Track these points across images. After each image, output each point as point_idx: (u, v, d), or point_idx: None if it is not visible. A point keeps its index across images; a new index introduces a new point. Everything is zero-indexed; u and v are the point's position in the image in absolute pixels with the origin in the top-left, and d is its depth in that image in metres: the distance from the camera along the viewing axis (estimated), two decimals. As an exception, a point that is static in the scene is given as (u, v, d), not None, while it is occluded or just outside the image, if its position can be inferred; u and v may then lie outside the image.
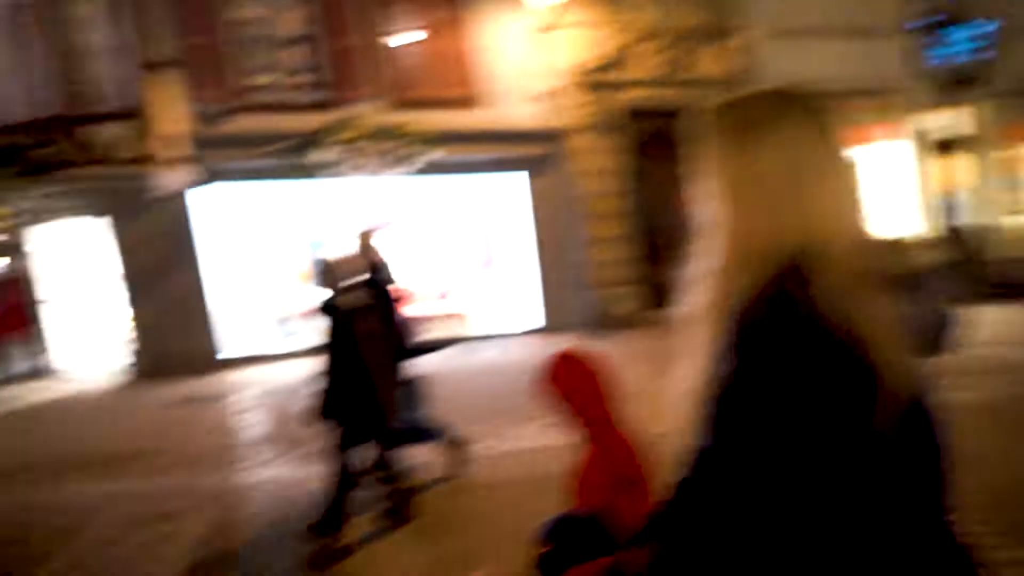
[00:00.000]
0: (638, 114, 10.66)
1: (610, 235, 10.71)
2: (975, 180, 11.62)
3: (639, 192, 10.82)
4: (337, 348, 4.08)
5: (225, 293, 9.98)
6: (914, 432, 0.99)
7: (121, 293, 9.57)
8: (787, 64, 9.59)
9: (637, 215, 10.82)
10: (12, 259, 11.54)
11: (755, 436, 0.96)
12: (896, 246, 1.10)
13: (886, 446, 0.96)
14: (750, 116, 1.06)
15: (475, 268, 11.43)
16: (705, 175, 1.11)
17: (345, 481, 4.04)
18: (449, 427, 5.11)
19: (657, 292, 10.61)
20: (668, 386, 1.17)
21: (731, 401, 0.98)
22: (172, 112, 9.26)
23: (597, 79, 10.51)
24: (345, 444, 4.06)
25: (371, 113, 9.70)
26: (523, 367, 8.53)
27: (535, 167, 10.60)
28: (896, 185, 11.41)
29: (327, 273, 4.14)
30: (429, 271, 10.91)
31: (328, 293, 4.12)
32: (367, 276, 4.76)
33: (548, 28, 10.37)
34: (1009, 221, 11.42)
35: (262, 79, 9.78)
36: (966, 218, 11.70)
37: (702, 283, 1.07)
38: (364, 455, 4.30)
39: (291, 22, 9.97)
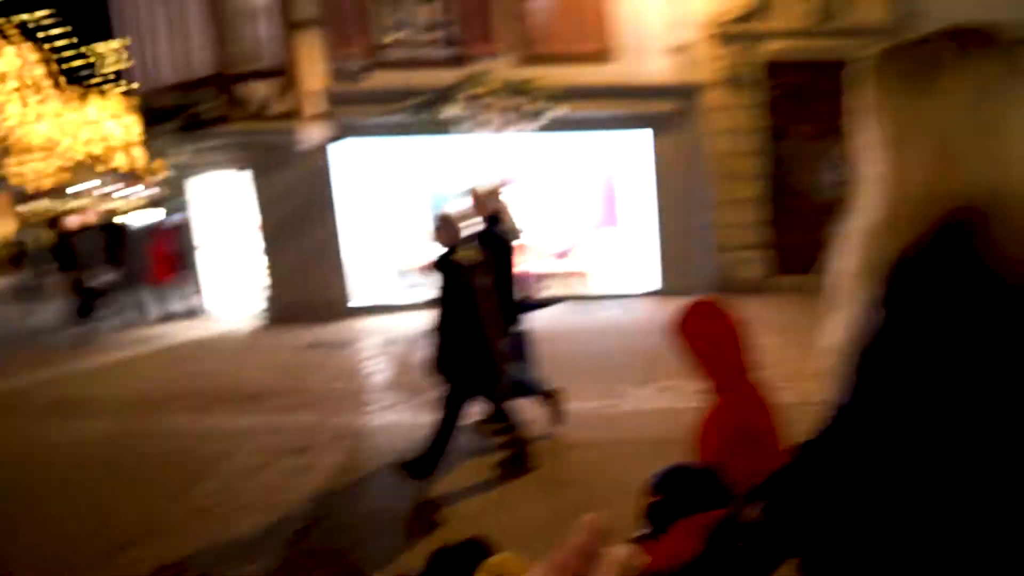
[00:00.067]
0: (777, 68, 9.98)
1: (739, 197, 10.21)
2: None
3: (774, 152, 10.21)
4: (450, 304, 4.15)
5: (355, 244, 10.46)
6: None
7: (260, 242, 10.25)
8: (953, 11, 8.60)
9: (770, 176, 10.23)
10: (169, 209, 12.66)
11: (905, 395, 0.89)
12: None
13: None
14: (925, 58, 0.97)
15: (595, 227, 11.30)
16: (864, 127, 1.03)
17: (446, 432, 4.16)
18: (547, 383, 5.12)
19: (785, 257, 10.07)
20: (813, 346, 1.10)
21: (880, 357, 0.91)
22: (313, 69, 9.68)
23: (735, 30, 9.91)
24: (453, 398, 4.18)
25: (501, 69, 9.69)
26: (641, 328, 8.46)
27: (663, 124, 10.22)
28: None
29: (446, 228, 4.21)
30: (550, 228, 10.89)
31: (445, 248, 4.19)
32: (486, 231, 4.82)
33: (685, -24, 9.86)
34: None
35: (397, 35, 9.98)
36: None
37: (856, 241, 1.00)
38: (479, 408, 4.42)
39: None
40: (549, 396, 4.98)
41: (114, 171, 36.40)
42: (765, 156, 10.21)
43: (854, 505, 0.95)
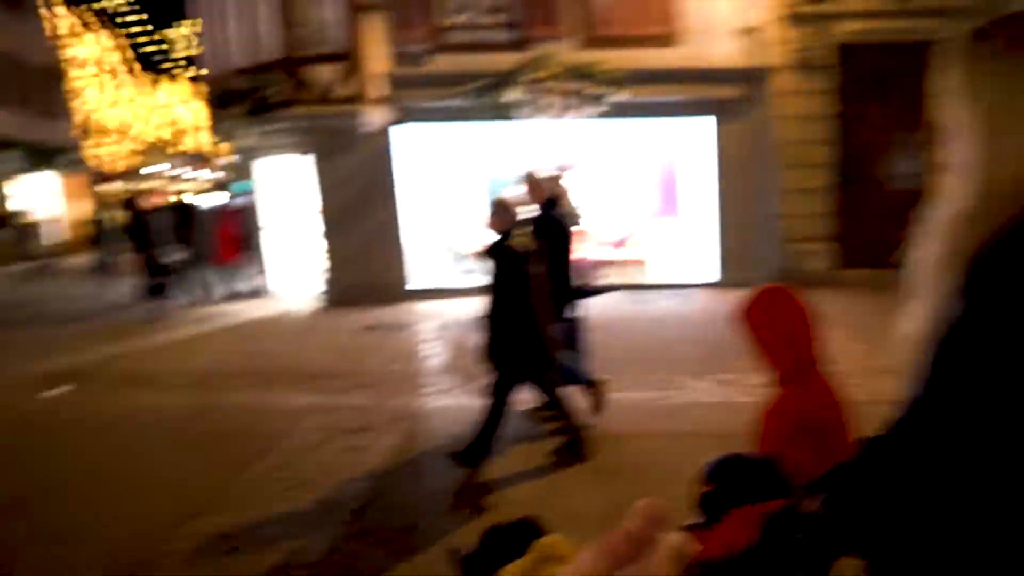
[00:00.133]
0: (851, 51, 9.55)
1: (806, 186, 9.85)
2: None
3: (844, 140, 9.81)
4: (503, 290, 4.13)
5: (414, 228, 10.55)
6: None
7: (321, 225, 10.43)
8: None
9: (840, 165, 9.84)
10: (235, 191, 13.01)
11: (982, 389, 0.84)
12: None
13: None
14: (1021, 38, 0.91)
15: (655, 215, 11.10)
16: (950, 113, 0.98)
17: (495, 419, 4.15)
18: (593, 372, 5.08)
19: (853, 251, 9.69)
20: (881, 343, 1.04)
21: (957, 349, 0.87)
22: (376, 53, 9.76)
23: (806, 11, 9.52)
24: (502, 384, 4.17)
25: (563, 52, 9.57)
26: (699, 319, 8.29)
27: (727, 110, 9.93)
28: None
29: (500, 214, 4.17)
30: (609, 216, 10.75)
31: (498, 235, 4.16)
32: (542, 217, 4.78)
33: (755, -44, 9.52)
34: None
35: (459, 19, 9.97)
36: None
37: (938, 230, 0.96)
38: (531, 395, 4.40)
39: None
40: (592, 386, 4.93)
41: (183, 154, 37.75)
42: (835, 144, 9.81)
43: (922, 502, 0.91)
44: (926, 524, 0.91)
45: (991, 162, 0.92)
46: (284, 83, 9.87)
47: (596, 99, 9.45)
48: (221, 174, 33.24)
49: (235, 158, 13.63)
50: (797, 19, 9.58)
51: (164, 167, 34.81)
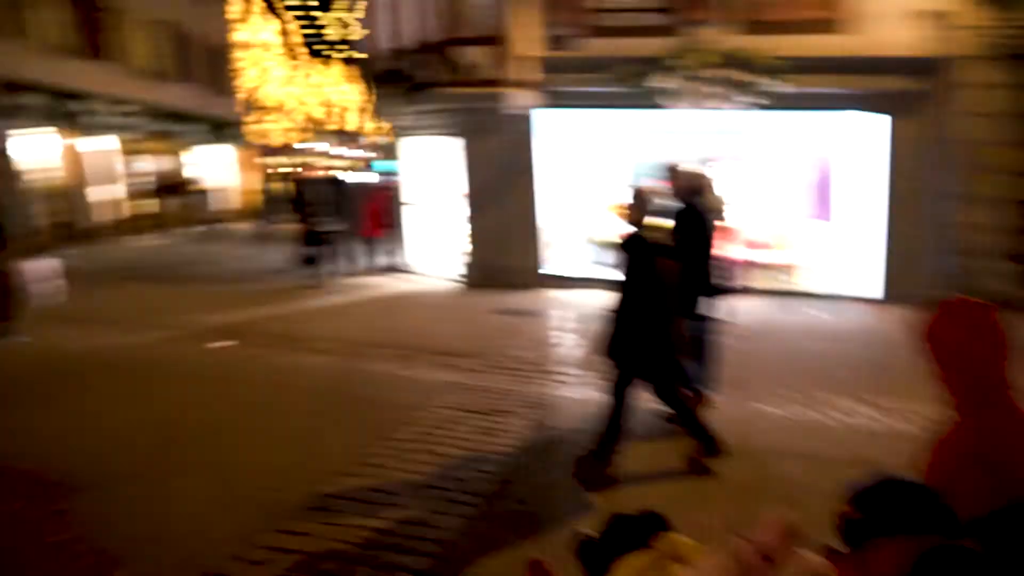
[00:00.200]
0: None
1: (992, 194, 8.82)
2: None
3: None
4: (632, 284, 3.96)
5: (554, 215, 10.52)
6: None
7: (464, 207, 10.64)
8: None
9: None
10: (384, 169, 13.58)
11: None
12: None
13: None
14: None
15: (809, 217, 10.39)
16: None
17: (617, 418, 4.01)
18: (714, 378, 4.85)
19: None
20: None
21: None
22: (527, 37, 9.77)
23: (1005, -7, 8.49)
24: (621, 383, 4.02)
25: (718, 37, 9.12)
26: (853, 335, 7.68)
27: (900, 104, 9.04)
28: None
29: (636, 205, 4.01)
30: (758, 214, 10.19)
31: (633, 226, 3.99)
32: (682, 211, 4.55)
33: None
34: None
35: (612, 2, 9.76)
36: None
37: None
38: (660, 397, 4.23)
39: None
40: (698, 396, 4.67)
41: (338, 132, 40.02)
42: (1028, 147, 8.73)
43: None
44: None
45: None
46: (438, 65, 10.11)
47: (751, 88, 8.93)
48: (372, 153, 34.95)
49: (386, 137, 14.22)
50: (990, 1, 8.54)
51: (321, 144, 37.07)
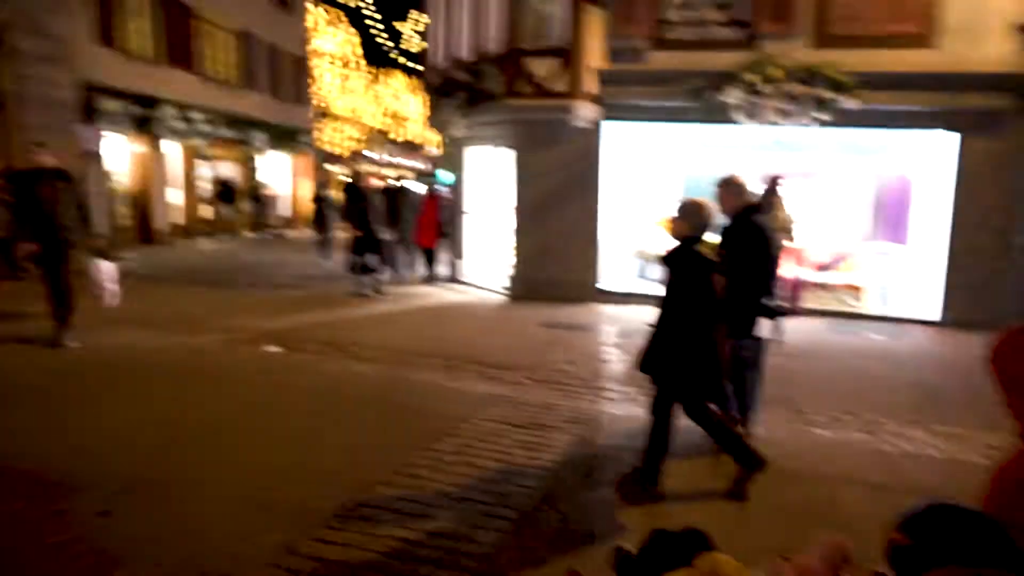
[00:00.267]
0: None
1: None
2: None
3: None
4: (676, 300, 3.84)
5: (610, 229, 10.41)
6: None
7: (517, 215, 10.61)
8: None
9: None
10: (440, 180, 13.70)
11: None
12: None
13: None
14: None
15: (875, 237, 10.02)
16: None
17: (660, 438, 3.89)
18: (758, 403, 4.66)
19: None
20: None
21: None
22: (593, 48, 9.71)
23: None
24: (661, 401, 3.90)
25: (791, 51, 8.90)
26: (915, 360, 7.35)
27: (980, 123, 8.63)
28: None
29: (686, 217, 3.88)
30: (823, 233, 9.87)
31: (681, 240, 3.87)
32: (738, 226, 4.40)
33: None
34: None
35: (682, 14, 9.65)
36: None
37: None
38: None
39: None
40: (741, 416, 4.49)
41: (398, 141, 40.75)
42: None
43: None
44: None
45: None
46: (501, 76, 10.15)
47: (824, 104, 8.68)
48: (429, 163, 35.41)
49: (444, 148, 14.38)
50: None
51: (380, 153, 37.81)
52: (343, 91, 34.65)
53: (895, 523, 1.32)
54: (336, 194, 16.06)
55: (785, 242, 7.78)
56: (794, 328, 8.05)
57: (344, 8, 33.72)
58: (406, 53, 37.08)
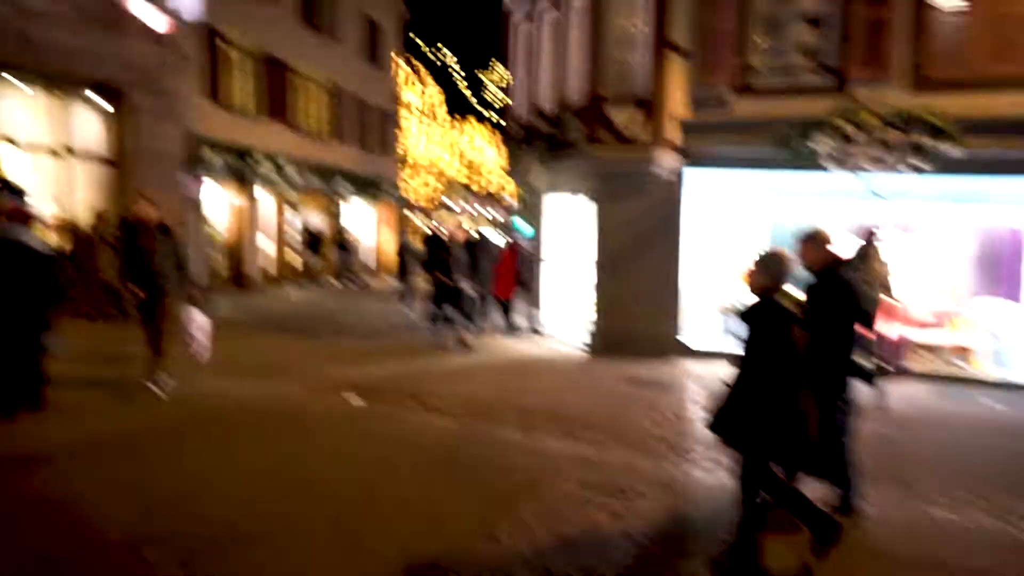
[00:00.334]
0: None
1: None
2: None
3: None
4: (755, 357, 3.57)
5: (693, 281, 10.10)
6: None
7: (596, 270, 10.44)
8: None
9: None
10: (519, 230, 13.74)
11: None
12: None
13: None
14: None
15: (985, 293, 9.31)
16: None
17: (753, 507, 3.57)
18: (850, 473, 4.26)
19: None
20: None
21: None
22: (676, 97, 9.62)
23: None
24: (750, 468, 3.59)
25: (887, 95, 8.54)
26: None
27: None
28: None
29: (767, 270, 3.63)
30: (929, 289, 9.26)
31: (761, 294, 3.63)
32: (824, 281, 4.10)
33: None
34: None
35: (767, 61, 9.45)
36: None
37: None
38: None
39: None
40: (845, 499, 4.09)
41: (478, 191, 41.58)
42: None
43: None
44: None
45: None
46: (582, 125, 10.15)
47: (922, 151, 8.22)
48: (507, 213, 35.87)
49: (523, 198, 14.47)
50: None
51: (459, 203, 38.63)
52: (425, 141, 35.78)
53: None
54: (417, 243, 16.35)
55: (884, 298, 7.30)
56: (898, 393, 7.50)
57: (427, 60, 35.12)
58: (486, 103, 38.06)
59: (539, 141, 11.09)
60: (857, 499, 4.29)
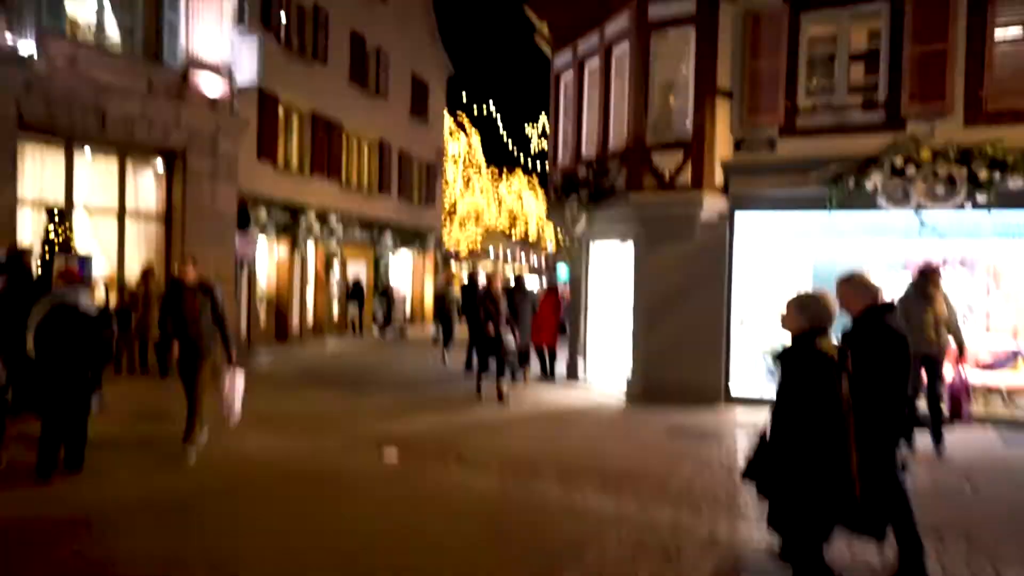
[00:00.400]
0: None
1: None
2: None
3: None
4: (791, 405, 3.35)
5: (739, 326, 9.83)
6: None
7: (639, 313, 10.25)
8: None
9: None
10: (560, 277, 13.66)
11: None
12: None
13: None
14: None
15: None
16: None
17: (817, 568, 3.32)
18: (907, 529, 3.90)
19: None
20: None
21: None
22: (721, 140, 9.55)
23: None
24: (804, 536, 3.34)
25: (941, 131, 8.34)
26: None
27: None
28: None
29: (804, 311, 3.45)
30: (988, 329, 8.83)
31: (797, 337, 3.44)
32: (867, 325, 3.87)
33: None
34: None
35: (815, 100, 9.33)
36: None
37: None
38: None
39: (856, 35, 9.28)
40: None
41: (519, 240, 41.85)
42: None
43: None
44: None
45: None
46: (625, 170, 10.12)
47: (982, 185, 7.96)
48: (547, 260, 35.93)
49: (564, 244, 14.44)
50: None
51: (499, 251, 38.88)
52: (466, 191, 36.32)
53: None
54: (456, 291, 16.42)
55: (950, 339, 6.96)
56: (958, 441, 7.08)
57: (469, 112, 35.87)
58: (528, 151, 38.54)
59: (581, 188, 11.10)
60: (923, 559, 3.99)
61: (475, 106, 38.10)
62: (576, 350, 12.05)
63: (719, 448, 7.45)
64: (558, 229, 14.45)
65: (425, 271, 25.51)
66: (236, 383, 6.87)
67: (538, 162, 37.12)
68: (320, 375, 12.57)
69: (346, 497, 5.68)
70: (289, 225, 17.09)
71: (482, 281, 10.83)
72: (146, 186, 12.08)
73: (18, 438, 6.52)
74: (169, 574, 4.08)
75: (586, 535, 4.76)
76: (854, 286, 4.01)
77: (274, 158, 16.55)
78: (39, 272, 9.19)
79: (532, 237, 42.58)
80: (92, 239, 11.25)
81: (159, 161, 12.03)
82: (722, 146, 9.56)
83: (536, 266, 37.75)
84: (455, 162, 34.66)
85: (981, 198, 8.09)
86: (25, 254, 8.57)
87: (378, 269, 21.97)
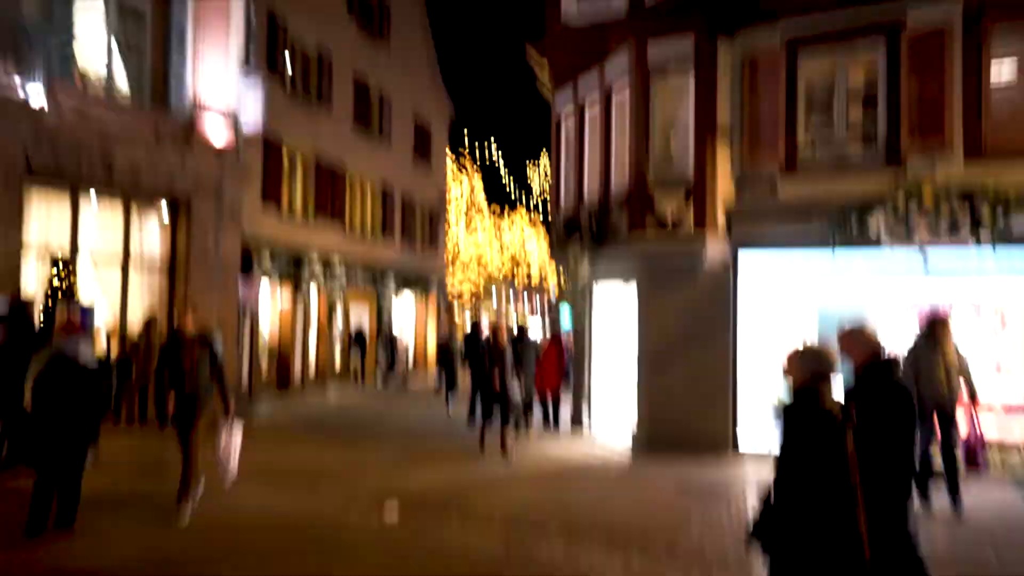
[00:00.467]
0: None
1: None
2: None
3: None
4: (788, 461, 3.23)
5: (744, 373, 9.67)
6: None
7: (643, 359, 10.07)
8: None
9: None
10: (561, 322, 13.56)
11: None
12: None
13: None
14: None
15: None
16: None
17: None
18: None
19: None
20: None
21: None
22: (722, 181, 9.56)
23: None
24: None
25: (943, 170, 8.33)
26: None
27: None
28: None
29: (806, 364, 3.32)
30: (1000, 376, 8.67)
31: (798, 390, 3.30)
32: (869, 379, 3.73)
33: None
34: None
35: (816, 140, 9.35)
36: None
37: None
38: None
39: (854, 74, 9.34)
40: None
41: (521, 285, 41.85)
42: None
43: None
44: None
45: None
46: (627, 213, 10.09)
47: (985, 224, 7.92)
48: (550, 304, 35.86)
49: (567, 288, 14.39)
50: None
51: (501, 296, 38.83)
52: (468, 234, 36.42)
53: None
54: (459, 339, 16.29)
55: (963, 388, 6.80)
56: (977, 498, 6.88)
57: (472, 152, 36.18)
58: (530, 194, 38.78)
59: (584, 230, 11.08)
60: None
61: (477, 144, 38.44)
62: (580, 396, 11.87)
63: (728, 506, 7.23)
64: (561, 270, 14.42)
65: (428, 315, 25.42)
66: (233, 439, 6.71)
67: (540, 200, 37.33)
68: (321, 426, 12.38)
69: (345, 558, 5.50)
70: (292, 270, 17.06)
71: (485, 332, 10.69)
72: (150, 232, 12.10)
73: (10, 493, 6.36)
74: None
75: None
76: (852, 338, 3.91)
77: (278, 202, 16.61)
78: (41, 322, 9.13)
79: (535, 279, 42.56)
80: (95, 286, 11.22)
81: (164, 207, 12.07)
82: (723, 186, 9.57)
83: (539, 309, 37.65)
84: (457, 205, 34.85)
85: (985, 236, 8.04)
86: (27, 306, 8.53)
87: (380, 314, 21.87)
